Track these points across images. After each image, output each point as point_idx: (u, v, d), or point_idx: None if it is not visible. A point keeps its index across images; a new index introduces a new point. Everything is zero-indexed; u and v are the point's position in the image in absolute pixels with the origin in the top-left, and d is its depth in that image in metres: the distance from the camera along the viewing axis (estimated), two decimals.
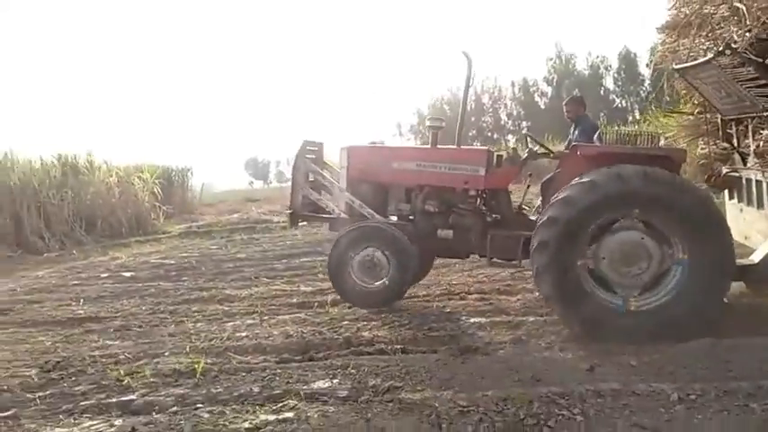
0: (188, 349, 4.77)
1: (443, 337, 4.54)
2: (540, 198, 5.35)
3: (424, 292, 6.12)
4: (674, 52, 5.86)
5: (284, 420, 3.13)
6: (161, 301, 6.80)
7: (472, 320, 4.84)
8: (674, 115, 7.36)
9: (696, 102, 6.34)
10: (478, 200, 5.27)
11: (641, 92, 39.98)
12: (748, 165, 5.32)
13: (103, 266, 10.46)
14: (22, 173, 14.23)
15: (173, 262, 10.22)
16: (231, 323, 5.51)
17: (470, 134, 43.59)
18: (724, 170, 5.71)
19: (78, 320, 6.16)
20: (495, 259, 5.02)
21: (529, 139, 5.58)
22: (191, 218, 21.20)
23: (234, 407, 3.45)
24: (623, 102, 43.86)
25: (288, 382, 3.72)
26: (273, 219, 16.89)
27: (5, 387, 4.07)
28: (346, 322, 5.20)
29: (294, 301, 6.24)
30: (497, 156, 5.43)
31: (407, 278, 5.20)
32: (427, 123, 5.87)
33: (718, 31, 5.01)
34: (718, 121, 5.83)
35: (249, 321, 5.52)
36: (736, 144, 5.63)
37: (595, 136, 5.25)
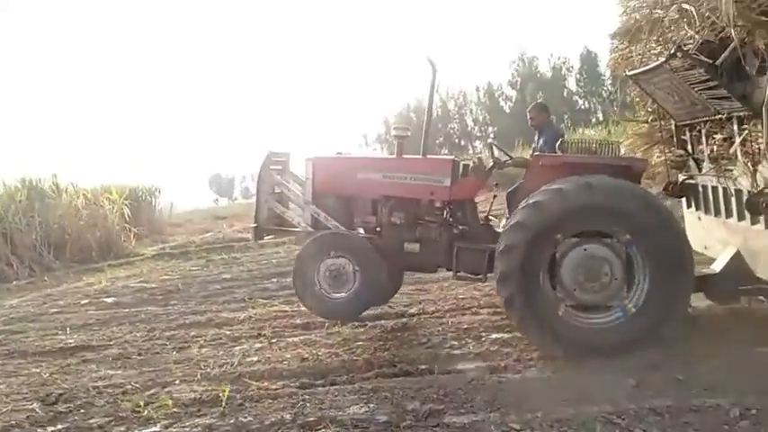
0: (199, 376, 4.57)
1: (468, 355, 4.46)
2: (507, 208, 5.32)
3: (432, 308, 6.04)
4: (627, 59, 5.84)
5: None
6: (154, 326, 6.53)
7: (493, 336, 4.75)
8: (630, 123, 7.30)
9: (650, 109, 6.30)
10: (445, 211, 5.16)
11: (603, 92, 40.60)
12: (703, 171, 5.30)
13: (81, 292, 10.04)
14: None
15: (155, 285, 9.88)
16: (238, 347, 5.31)
17: (438, 141, 43.90)
18: (680, 178, 5.72)
19: (70, 350, 5.86)
20: (461, 273, 4.94)
21: (494, 147, 5.56)
22: (161, 239, 20.60)
23: None
24: (586, 103, 44.73)
25: (320, 409, 3.59)
26: (249, 237, 16.53)
27: (13, 422, 3.82)
28: (361, 342, 5.08)
29: (298, 322, 6.06)
30: (463, 165, 5.36)
31: (374, 289, 5.05)
32: (392, 133, 5.81)
33: (669, 35, 5.01)
34: (672, 127, 5.83)
35: (257, 345, 5.33)
36: (690, 150, 5.63)
37: (557, 144, 5.16)
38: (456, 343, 4.75)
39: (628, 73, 5.59)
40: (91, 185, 17.85)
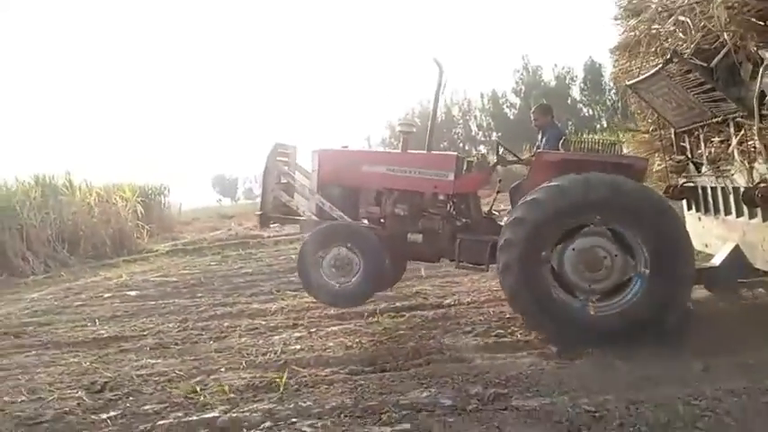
0: (245, 364, 4.52)
1: (517, 343, 4.39)
2: (510, 204, 5.35)
3: (468, 299, 5.99)
4: (627, 72, 6.09)
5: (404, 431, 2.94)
6: (186, 317, 6.49)
7: None
8: (631, 132, 7.58)
9: (650, 120, 6.57)
10: (448, 204, 5.26)
11: (607, 101, 40.80)
12: (703, 172, 5.46)
13: (101, 286, 10.00)
14: (0, 195, 13.58)
15: (176, 279, 9.84)
16: (277, 337, 5.27)
17: (442, 145, 43.99)
18: (680, 181, 5.88)
19: (104, 341, 5.82)
20: (463, 263, 4.98)
21: (499, 146, 5.64)
22: (171, 236, 20.63)
23: (332, 420, 3.25)
24: (590, 111, 44.89)
25: (380, 393, 3.53)
26: (263, 234, 16.50)
27: (66, 409, 3.77)
28: (403, 332, 5.03)
29: (332, 312, 5.98)
30: (467, 161, 5.45)
31: (377, 278, 5.08)
32: (398, 128, 5.86)
33: (666, 45, 5.18)
34: (672, 135, 6.04)
35: (296, 334, 5.28)
36: (690, 155, 5.81)
37: (560, 143, 5.30)
38: (502, 331, 4.69)
39: (627, 83, 5.78)
40: (102, 183, 17.78)
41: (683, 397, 2.99)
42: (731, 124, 4.70)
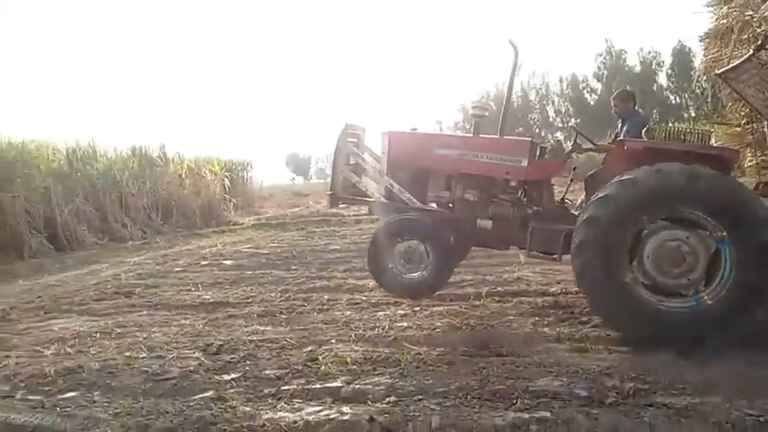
0: (354, 337, 4.51)
1: None
2: (584, 193, 5.11)
3: (576, 288, 5.73)
4: (717, 61, 5.82)
5: (544, 420, 2.81)
6: (286, 288, 6.58)
7: None
8: (721, 125, 7.22)
9: (742, 112, 6.19)
10: (520, 191, 5.09)
11: (697, 89, 38.23)
12: None
13: (196, 254, 10.37)
14: (102, 163, 14.32)
15: (267, 252, 10.05)
16: (381, 313, 5.22)
17: (517, 131, 42.97)
18: None
19: (210, 305, 5.99)
20: (534, 252, 4.84)
21: (575, 132, 5.38)
22: (253, 210, 21.25)
23: (460, 401, 3.15)
24: (677, 98, 42.49)
25: (506, 378, 3.40)
26: (344, 213, 16.65)
27: (190, 368, 3.86)
28: (512, 317, 4.87)
29: None
30: (541, 147, 5.22)
31: (446, 270, 5.06)
32: (471, 111, 5.64)
33: (759, 31, 4.95)
34: (765, 128, 5.66)
35: (400, 312, 5.22)
36: None
37: (643, 131, 4.95)
38: None
39: (717, 72, 5.49)
40: (192, 156, 18.44)
41: None
42: None
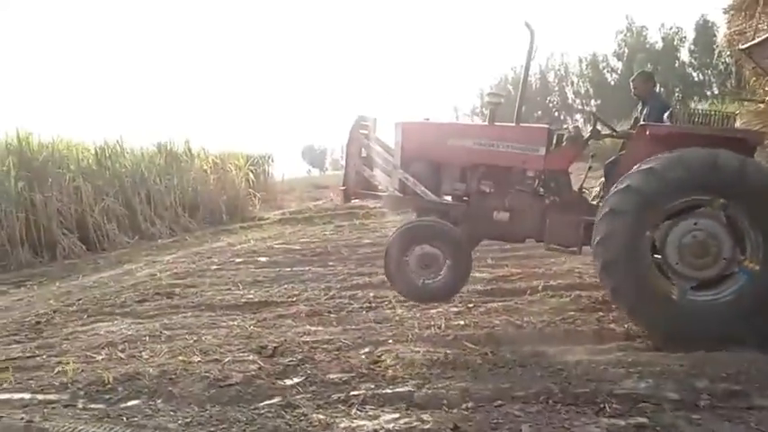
0: (412, 337, 4.37)
1: None
2: (603, 180, 4.97)
3: None
4: (741, 34, 5.62)
5: (642, 426, 2.65)
6: (329, 286, 6.46)
7: None
8: (745, 102, 6.88)
9: (767, 88, 5.97)
10: (537, 181, 4.89)
11: (720, 65, 37.31)
12: None
13: (228, 252, 10.31)
14: (130, 161, 14.30)
15: (299, 248, 9.96)
16: (434, 311, 5.08)
17: (536, 114, 42.38)
18: None
19: (255, 305, 5.89)
20: (552, 245, 4.70)
21: (594, 117, 5.13)
22: (276, 204, 21.18)
23: (542, 406, 3.00)
24: (700, 75, 41.64)
25: (587, 380, 3.24)
26: (369, 205, 16.49)
27: (252, 373, 3.75)
28: (573, 312, 4.70)
29: (479, 288, 5.76)
30: (558, 135, 5.04)
31: (463, 276, 4.82)
32: (485, 99, 5.42)
33: None
34: None
35: (454, 309, 5.08)
36: None
37: (665, 115, 4.73)
38: None
39: (741, 47, 5.33)
40: (216, 151, 18.38)
41: None
42: None
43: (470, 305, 5.14)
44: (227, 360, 4.14)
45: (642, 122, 5.17)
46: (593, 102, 42.89)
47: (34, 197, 10.64)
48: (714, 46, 35.89)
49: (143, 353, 4.51)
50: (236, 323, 5.22)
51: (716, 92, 34.26)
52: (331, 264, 7.95)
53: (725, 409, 2.80)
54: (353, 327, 4.82)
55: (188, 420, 3.10)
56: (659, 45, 42.18)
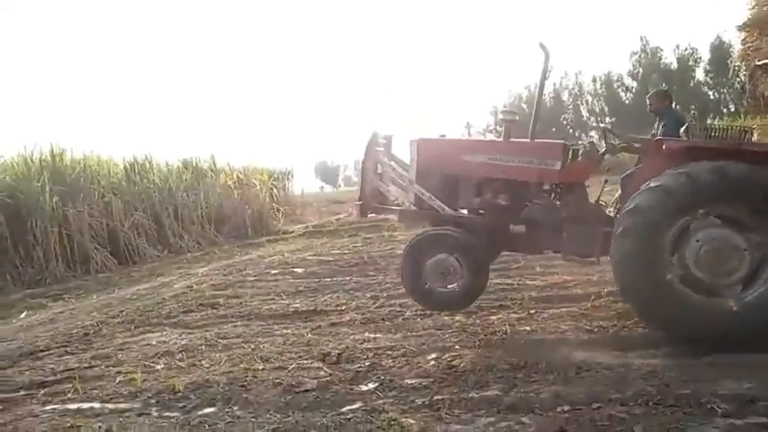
0: (478, 342, 4.28)
1: None
2: (620, 193, 4.93)
3: None
4: (757, 50, 5.66)
5: (764, 426, 2.52)
6: (375, 295, 6.36)
7: None
8: (760, 117, 6.95)
9: None
10: (553, 194, 4.95)
11: (736, 83, 37.26)
12: None
13: (261, 264, 10.23)
14: (158, 176, 14.36)
15: (331, 259, 9.87)
16: (494, 317, 4.97)
17: (551, 131, 42.33)
18: None
19: (305, 314, 5.80)
20: (570, 256, 4.71)
21: (608, 132, 5.11)
22: (297, 219, 21.16)
23: (644, 408, 2.87)
24: (716, 94, 41.53)
25: (683, 381, 3.11)
26: (393, 218, 16.39)
27: (325, 379, 3.65)
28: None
29: (534, 294, 5.66)
30: (574, 150, 5.01)
31: (479, 284, 4.81)
32: (500, 116, 5.42)
33: None
34: None
35: (514, 315, 4.97)
36: None
37: (682, 130, 4.71)
38: None
39: (758, 62, 5.36)
40: (240, 166, 18.43)
41: None
42: None
43: (532, 311, 5.02)
44: (291, 367, 4.06)
45: (658, 137, 5.13)
46: (607, 119, 42.83)
47: (68, 212, 10.68)
48: (729, 60, 35.89)
49: (202, 361, 4.43)
50: (289, 331, 5.14)
51: (732, 109, 34.10)
52: (371, 274, 7.85)
53: None
54: (414, 333, 4.72)
55: (273, 427, 3.01)
56: (674, 65, 42.30)
